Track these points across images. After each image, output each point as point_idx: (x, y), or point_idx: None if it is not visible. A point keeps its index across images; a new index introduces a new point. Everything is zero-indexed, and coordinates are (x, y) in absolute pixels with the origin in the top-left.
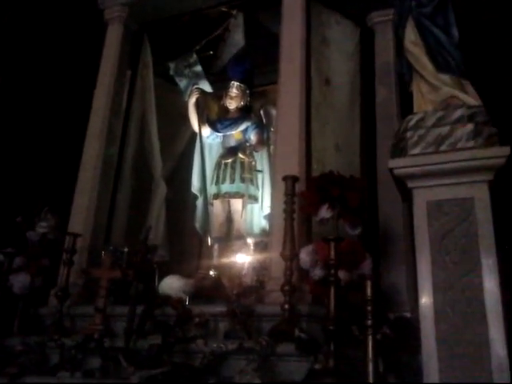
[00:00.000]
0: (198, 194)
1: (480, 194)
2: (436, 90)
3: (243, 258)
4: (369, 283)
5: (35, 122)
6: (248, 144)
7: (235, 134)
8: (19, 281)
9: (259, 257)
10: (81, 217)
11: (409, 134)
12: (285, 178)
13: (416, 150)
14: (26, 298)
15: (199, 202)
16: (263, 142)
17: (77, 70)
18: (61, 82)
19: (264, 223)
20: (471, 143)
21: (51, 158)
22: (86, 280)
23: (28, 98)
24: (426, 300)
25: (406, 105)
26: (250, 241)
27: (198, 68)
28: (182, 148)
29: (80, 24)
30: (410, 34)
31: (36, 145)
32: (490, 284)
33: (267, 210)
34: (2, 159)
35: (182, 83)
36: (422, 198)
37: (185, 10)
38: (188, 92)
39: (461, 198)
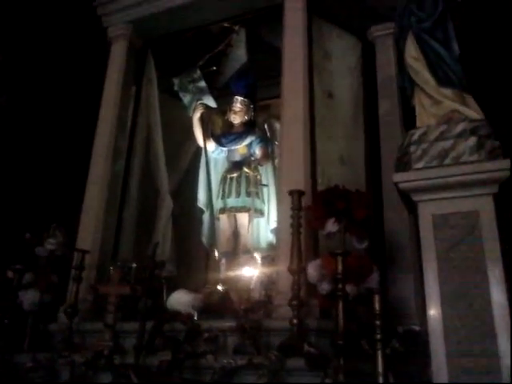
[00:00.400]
0: (204, 209)
1: (485, 207)
2: (438, 104)
3: (250, 272)
4: (377, 298)
5: (42, 139)
6: (253, 158)
7: (240, 148)
8: (29, 297)
9: (266, 271)
10: (88, 233)
11: (412, 148)
12: (291, 193)
13: (420, 164)
14: (36, 315)
15: (205, 217)
16: (268, 155)
17: (82, 87)
18: (67, 99)
19: (271, 237)
20: (474, 156)
21: (59, 175)
22: (95, 296)
23: (35, 115)
24: (434, 313)
25: (408, 117)
26: (257, 255)
27: (202, 83)
28: (188, 163)
29: (84, 42)
30: (411, 49)
31: (44, 161)
32: (498, 296)
33: (274, 224)
34: (10, 176)
35: (186, 99)
36: (427, 212)
37: (188, 26)
38: (192, 107)
39: (466, 211)
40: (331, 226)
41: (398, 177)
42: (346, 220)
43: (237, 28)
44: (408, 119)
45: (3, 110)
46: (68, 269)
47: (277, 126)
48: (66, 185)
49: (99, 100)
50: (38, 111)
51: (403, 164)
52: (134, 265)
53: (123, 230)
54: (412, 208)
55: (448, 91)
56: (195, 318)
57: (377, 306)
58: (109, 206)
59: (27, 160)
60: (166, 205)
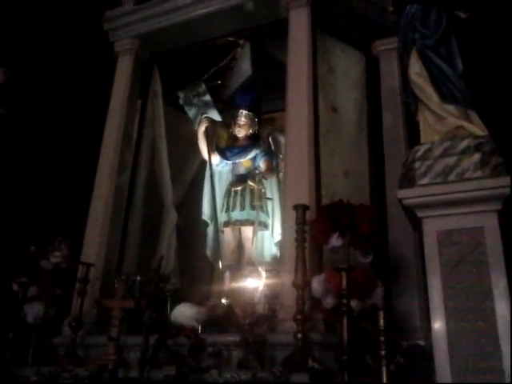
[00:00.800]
0: (209, 222)
1: (489, 224)
2: (442, 120)
3: (255, 285)
4: (381, 314)
5: (49, 151)
6: (257, 171)
7: (244, 161)
8: (33, 310)
9: (271, 285)
10: (93, 245)
11: (417, 164)
12: (295, 207)
13: (424, 180)
14: (40, 328)
15: (210, 230)
16: (272, 169)
17: (89, 100)
18: (73, 111)
19: (275, 250)
20: (478, 173)
21: (64, 188)
22: (99, 309)
23: (43, 128)
24: (439, 329)
25: (413, 131)
26: (261, 269)
27: (207, 97)
28: (192, 175)
29: (91, 56)
30: (415, 65)
31: (49, 174)
32: (503, 312)
33: (278, 237)
34: (16, 188)
35: (191, 112)
36: (431, 228)
37: (193, 40)
38: (197, 121)
39: (470, 227)
40: (335, 240)
41: (403, 193)
42: (350, 234)
43: (242, 42)
44: (412, 133)
45: (12, 123)
46: (72, 281)
47: (281, 139)
48: (71, 197)
49: (105, 113)
50: (46, 124)
51: (407, 180)
52: (139, 278)
53: (128, 242)
54: (416, 224)
55: (452, 108)
56: (199, 331)
57: (381, 321)
58: (113, 218)
59: (33, 172)
60: (171, 217)
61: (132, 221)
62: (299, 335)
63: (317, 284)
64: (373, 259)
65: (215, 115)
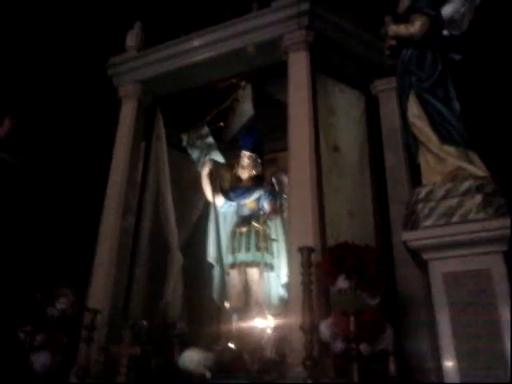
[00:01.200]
0: (215, 264)
1: (496, 266)
2: (442, 161)
3: (262, 329)
4: (391, 359)
5: (54, 197)
6: (262, 212)
7: (248, 202)
8: (40, 359)
9: (278, 328)
10: (99, 290)
11: (420, 206)
12: (300, 249)
13: (428, 222)
14: (47, 376)
15: (216, 272)
16: (277, 210)
17: (93, 145)
18: (77, 157)
19: (282, 292)
20: (481, 214)
21: (70, 233)
22: (106, 356)
23: (47, 173)
24: (450, 370)
25: (415, 170)
26: (268, 313)
27: (210, 139)
28: (197, 217)
29: (95, 101)
30: (413, 108)
31: (55, 219)
32: None
33: (284, 279)
34: (22, 234)
35: (195, 154)
36: (438, 270)
37: (195, 84)
38: (201, 163)
39: (477, 269)
40: (342, 282)
41: (407, 235)
42: (356, 276)
43: (243, 84)
44: (415, 173)
45: (18, 170)
46: (78, 327)
47: (285, 179)
48: (76, 242)
49: (110, 157)
50: (51, 169)
51: (411, 222)
52: (145, 323)
53: (134, 286)
54: (423, 265)
55: (452, 149)
56: (208, 377)
57: (392, 367)
58: (119, 262)
59: (39, 217)
60: (176, 261)
61: (138, 264)
62: (309, 381)
63: (325, 328)
64: (381, 300)
65: (218, 157)
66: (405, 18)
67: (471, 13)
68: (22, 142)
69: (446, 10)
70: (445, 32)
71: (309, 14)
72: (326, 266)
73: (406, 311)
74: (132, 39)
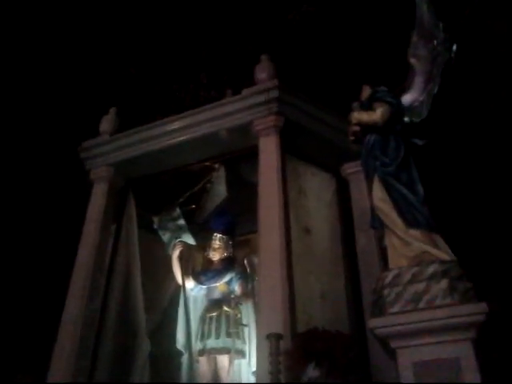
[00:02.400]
0: (183, 351)
1: (465, 354)
2: (408, 245)
3: None
4: None
5: (18, 278)
6: (233, 296)
7: (219, 285)
8: None
9: None
10: (60, 377)
11: (386, 291)
12: (268, 336)
13: (395, 309)
14: None
15: (184, 359)
16: (247, 293)
17: (60, 226)
18: (45, 236)
19: (253, 380)
20: (448, 300)
21: (30, 317)
22: None
23: (15, 252)
24: None
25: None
26: None
27: (181, 221)
28: (167, 301)
29: (65, 183)
30: (377, 192)
31: (18, 298)
32: None
33: (254, 366)
34: None
35: (166, 236)
36: (407, 359)
37: (168, 167)
38: (171, 245)
39: (446, 357)
40: (312, 371)
41: (374, 322)
42: (327, 364)
43: (217, 166)
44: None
45: None
46: None
47: (256, 261)
48: (38, 325)
49: (77, 238)
50: (20, 251)
51: (378, 307)
52: None
53: (97, 371)
54: (393, 354)
55: (417, 232)
56: None
57: None
58: (83, 346)
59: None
60: (144, 347)
61: (102, 348)
62: None
63: None
64: None
65: (189, 239)
66: (367, 106)
67: (429, 101)
68: None
69: (406, 99)
70: (406, 119)
71: (278, 100)
72: (294, 354)
73: None
74: (106, 124)
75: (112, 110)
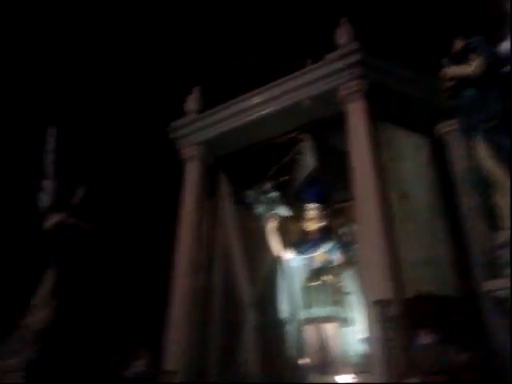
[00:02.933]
0: (289, 319)
1: None
2: None
3: None
4: None
5: (124, 259)
6: (333, 265)
7: (318, 255)
8: None
9: None
10: (175, 352)
11: (499, 252)
12: (376, 303)
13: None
14: None
15: (290, 327)
16: (347, 261)
17: (160, 208)
18: (144, 219)
19: (359, 347)
20: None
21: (141, 294)
22: None
23: (117, 237)
24: None
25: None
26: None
27: (274, 194)
28: (266, 273)
29: (161, 164)
30: (481, 149)
31: (126, 281)
32: None
33: (361, 334)
34: (96, 298)
35: (260, 209)
36: None
37: (254, 141)
38: (266, 218)
39: None
40: (424, 337)
41: (490, 285)
42: (439, 330)
43: (303, 136)
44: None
45: (89, 236)
46: None
47: (354, 229)
48: (148, 304)
49: (175, 217)
50: (121, 233)
51: (491, 269)
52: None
53: (208, 346)
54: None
55: None
56: None
57: None
58: (193, 322)
59: (111, 281)
60: (250, 318)
61: (211, 323)
62: None
63: None
64: (472, 357)
65: (284, 211)
66: (462, 58)
67: None
68: (94, 209)
69: (504, 47)
70: (506, 68)
71: (361, 63)
72: (404, 320)
73: None
74: (192, 103)
75: (196, 89)
